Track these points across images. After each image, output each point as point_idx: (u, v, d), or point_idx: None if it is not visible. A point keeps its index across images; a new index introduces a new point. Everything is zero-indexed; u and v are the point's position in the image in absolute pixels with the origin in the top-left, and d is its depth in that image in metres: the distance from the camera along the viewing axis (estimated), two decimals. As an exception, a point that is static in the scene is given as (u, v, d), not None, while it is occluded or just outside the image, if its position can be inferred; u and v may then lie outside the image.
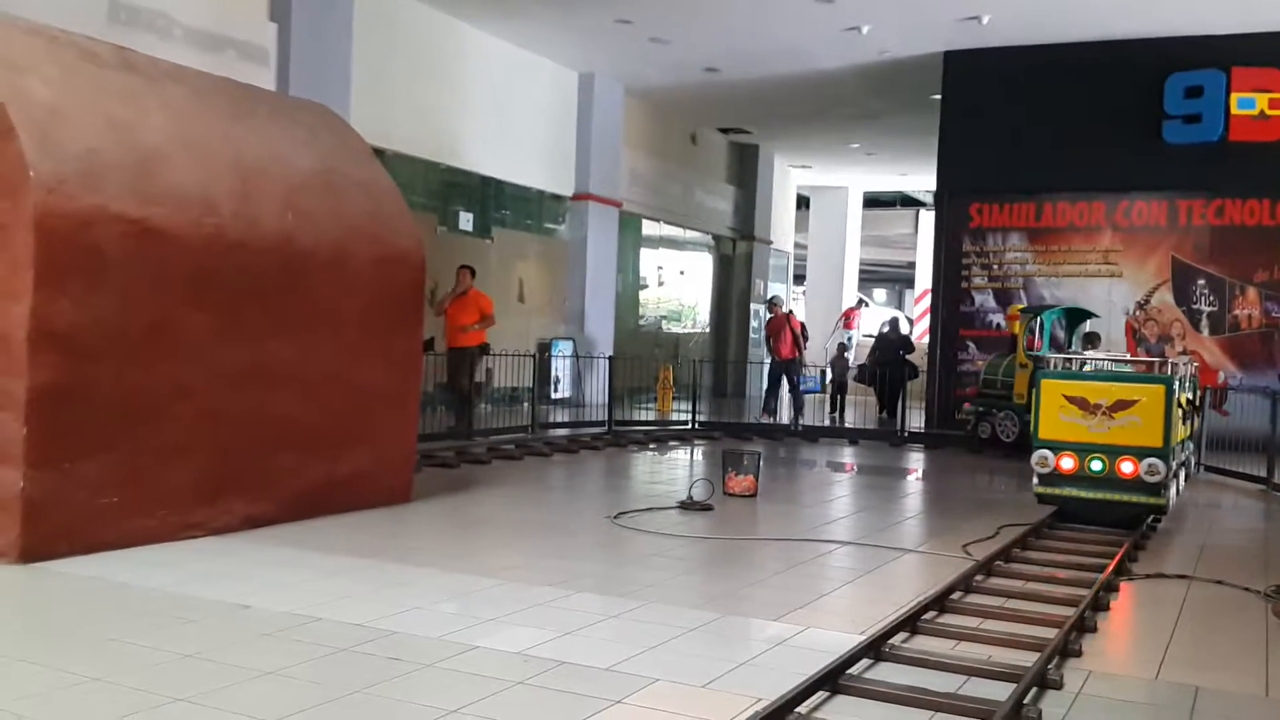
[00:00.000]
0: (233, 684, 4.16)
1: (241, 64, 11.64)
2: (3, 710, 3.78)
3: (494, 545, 7.13)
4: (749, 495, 9.33)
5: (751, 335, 24.68)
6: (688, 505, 8.71)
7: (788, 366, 17.08)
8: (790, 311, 17.82)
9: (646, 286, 22.56)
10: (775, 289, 26.68)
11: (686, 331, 24.01)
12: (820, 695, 4.24)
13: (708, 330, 24.61)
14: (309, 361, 7.49)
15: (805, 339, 17.68)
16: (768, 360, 17.85)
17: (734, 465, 9.53)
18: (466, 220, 16.87)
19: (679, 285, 23.71)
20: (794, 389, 17.05)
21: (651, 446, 13.82)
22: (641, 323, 22.26)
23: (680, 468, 12.08)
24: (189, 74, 7.62)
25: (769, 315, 18.08)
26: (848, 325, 23.24)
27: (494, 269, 16.91)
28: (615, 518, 8.18)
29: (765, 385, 17.88)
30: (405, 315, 8.39)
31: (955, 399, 15.79)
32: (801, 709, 4.05)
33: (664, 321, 23.22)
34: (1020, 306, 14.95)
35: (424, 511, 8.21)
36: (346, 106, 12.34)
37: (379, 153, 10.10)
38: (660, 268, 23.07)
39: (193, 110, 7.16)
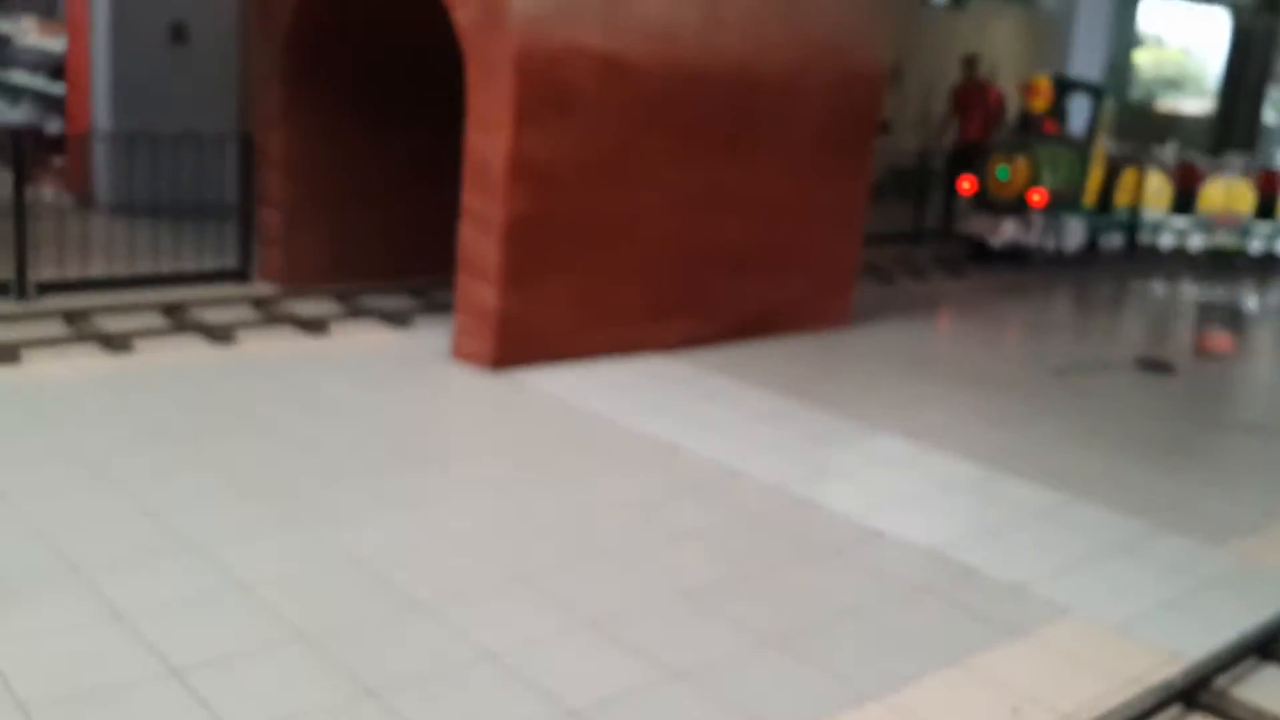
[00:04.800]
0: (657, 544, 4.49)
1: None
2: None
3: (924, 395, 7.01)
4: (1225, 356, 8.37)
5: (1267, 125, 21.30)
6: (1147, 364, 7.98)
7: (972, 152, 12.50)
8: (987, 80, 13.19)
9: (1141, 45, 19.68)
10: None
11: (1189, 114, 21.03)
12: (1251, 662, 3.87)
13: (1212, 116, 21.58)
14: (757, 186, 7.59)
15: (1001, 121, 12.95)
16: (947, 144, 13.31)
17: (1210, 315, 8.57)
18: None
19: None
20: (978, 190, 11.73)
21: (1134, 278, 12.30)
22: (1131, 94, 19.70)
23: (1150, 307, 10.85)
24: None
25: (960, 81, 13.43)
26: None
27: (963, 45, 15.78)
28: (1061, 374, 7.70)
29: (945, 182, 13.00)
30: (857, 137, 8.21)
31: None
32: (1222, 680, 3.71)
33: (1159, 92, 20.43)
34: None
35: (859, 343, 8.16)
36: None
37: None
38: (1162, 29, 20.08)
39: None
